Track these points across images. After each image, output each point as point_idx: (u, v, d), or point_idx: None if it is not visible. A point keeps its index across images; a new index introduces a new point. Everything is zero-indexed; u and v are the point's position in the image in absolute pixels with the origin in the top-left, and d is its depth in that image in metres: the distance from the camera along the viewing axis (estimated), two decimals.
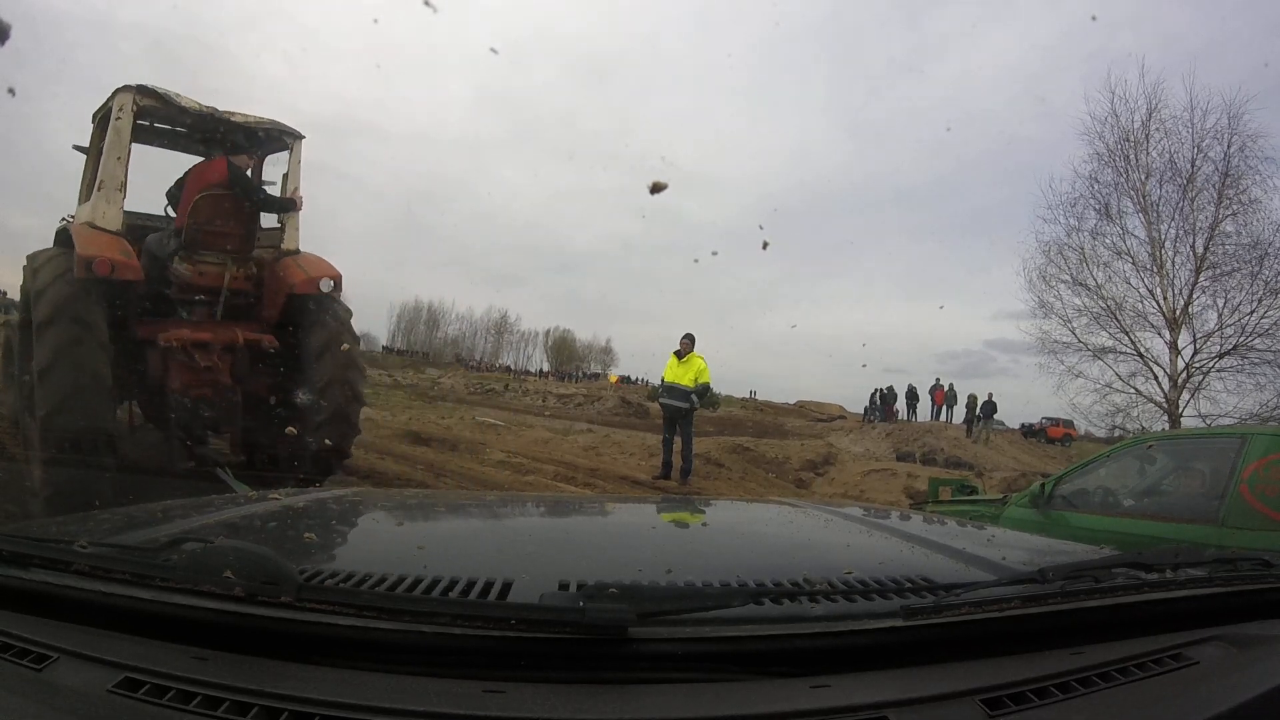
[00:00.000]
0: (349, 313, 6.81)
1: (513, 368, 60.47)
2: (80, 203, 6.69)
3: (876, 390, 32.71)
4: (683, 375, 10.18)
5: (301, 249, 6.94)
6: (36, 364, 5.43)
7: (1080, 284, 13.35)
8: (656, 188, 3.52)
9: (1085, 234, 13.34)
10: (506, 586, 0.96)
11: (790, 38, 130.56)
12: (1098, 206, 13.20)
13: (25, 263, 6.11)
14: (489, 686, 0.81)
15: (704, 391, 10.60)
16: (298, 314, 6.53)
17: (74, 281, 5.47)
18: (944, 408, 29.71)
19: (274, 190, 7.04)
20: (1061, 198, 13.41)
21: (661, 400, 10.89)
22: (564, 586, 0.96)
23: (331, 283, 6.56)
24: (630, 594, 0.88)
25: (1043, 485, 4.87)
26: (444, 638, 0.85)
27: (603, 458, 12.91)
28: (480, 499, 2.33)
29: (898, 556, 1.41)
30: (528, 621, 0.85)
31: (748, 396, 42.55)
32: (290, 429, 5.93)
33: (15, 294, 8.25)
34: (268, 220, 6.97)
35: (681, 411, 10.30)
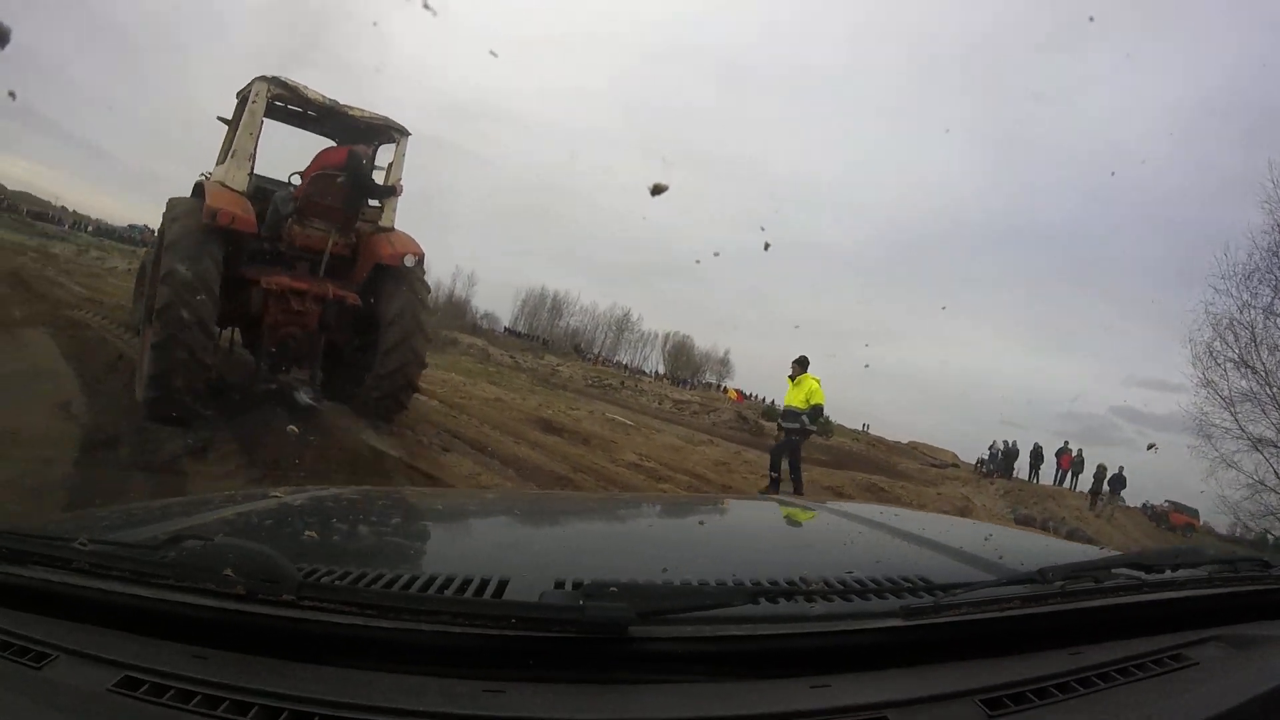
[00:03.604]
0: (426, 286, 8.06)
1: (629, 366, 59.77)
2: (218, 164, 7.91)
3: (997, 443, 29.69)
4: (795, 397, 10.07)
5: (397, 226, 8.13)
6: (157, 299, 6.57)
7: (1247, 365, 12.11)
8: (657, 189, 3.54)
9: (1258, 311, 12.12)
10: (503, 585, 0.96)
11: (934, 63, 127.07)
12: (1275, 283, 12.05)
13: (165, 207, 7.42)
14: (489, 686, 0.81)
15: (816, 414, 10.31)
16: (381, 281, 7.66)
17: (200, 227, 6.58)
18: (1069, 473, 27.03)
19: (380, 176, 8.06)
20: (1236, 268, 12.15)
21: (779, 422, 10.78)
22: (560, 585, 0.95)
23: (414, 259, 7.68)
24: (630, 593, 0.88)
25: None
26: (443, 636, 0.84)
27: (734, 475, 12.55)
28: (479, 497, 2.34)
29: (897, 556, 1.40)
30: (528, 620, 0.85)
31: (860, 429, 40.09)
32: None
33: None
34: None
35: (793, 433, 10.15)
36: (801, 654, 0.90)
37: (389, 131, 8.08)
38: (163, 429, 5.96)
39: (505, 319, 64.26)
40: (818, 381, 10.06)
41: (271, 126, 8.03)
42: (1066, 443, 27.61)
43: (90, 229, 47.70)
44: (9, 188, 54.22)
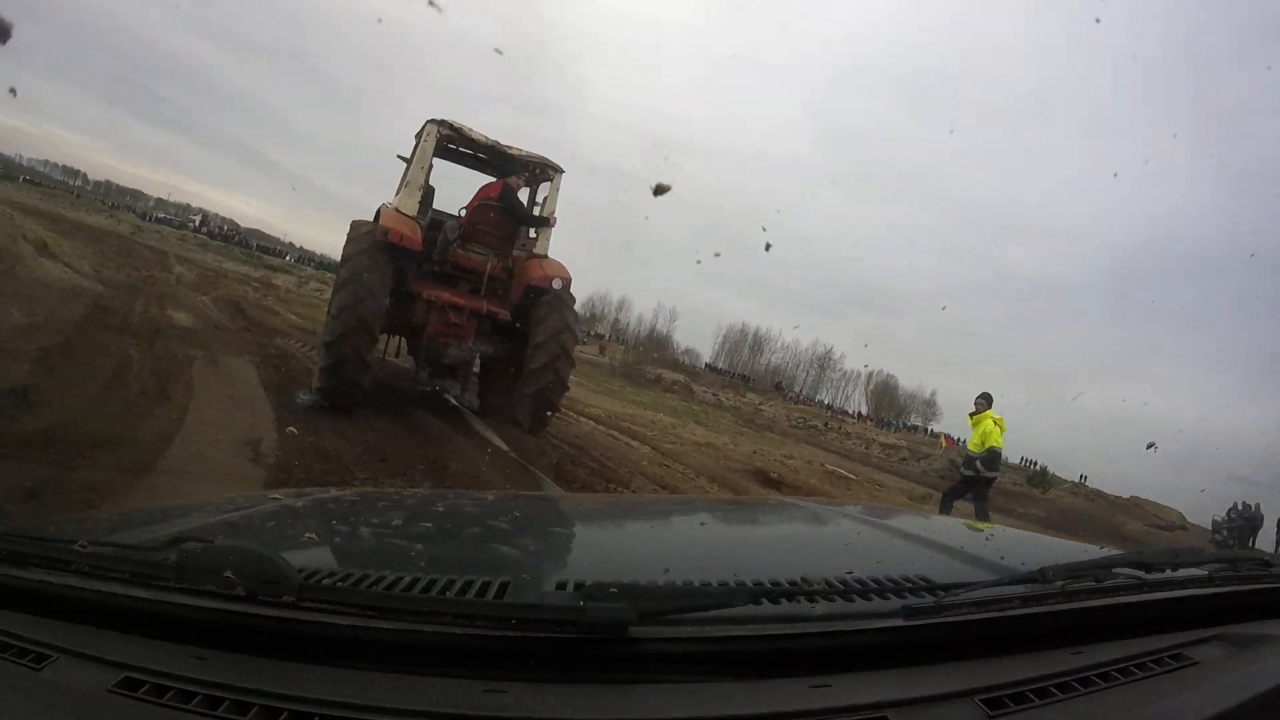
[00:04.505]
0: (574, 308, 8.64)
1: (830, 405, 57.77)
2: (396, 193, 8.91)
3: (1237, 504, 24.01)
4: (972, 439, 9.33)
5: (550, 254, 8.94)
6: (332, 305, 7.75)
7: None
8: (660, 189, 3.53)
9: None
10: (504, 586, 0.97)
11: (1143, 72, 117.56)
12: None
13: (349, 228, 8.48)
14: (490, 686, 0.81)
15: (991, 459, 9.23)
16: (534, 304, 8.39)
17: (374, 244, 7.62)
18: None
19: (536, 210, 9.14)
20: None
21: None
22: (561, 586, 0.97)
23: (561, 282, 8.38)
24: (631, 593, 0.88)
25: None
26: (444, 637, 0.85)
27: None
28: (479, 499, 2.37)
29: (898, 556, 1.39)
30: (528, 621, 0.85)
31: (1077, 481, 37.22)
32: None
33: None
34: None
35: (969, 480, 9.34)
36: (802, 654, 0.90)
37: (546, 170, 8.86)
38: (354, 476, 5.63)
39: (706, 354, 64.65)
40: (996, 422, 9.17)
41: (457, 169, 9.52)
42: None
43: (314, 263, 52.29)
44: (242, 225, 61.85)
